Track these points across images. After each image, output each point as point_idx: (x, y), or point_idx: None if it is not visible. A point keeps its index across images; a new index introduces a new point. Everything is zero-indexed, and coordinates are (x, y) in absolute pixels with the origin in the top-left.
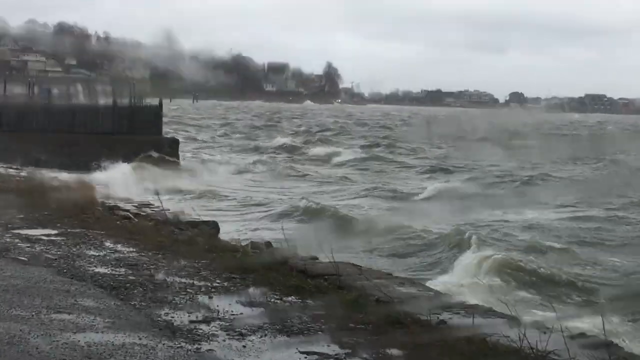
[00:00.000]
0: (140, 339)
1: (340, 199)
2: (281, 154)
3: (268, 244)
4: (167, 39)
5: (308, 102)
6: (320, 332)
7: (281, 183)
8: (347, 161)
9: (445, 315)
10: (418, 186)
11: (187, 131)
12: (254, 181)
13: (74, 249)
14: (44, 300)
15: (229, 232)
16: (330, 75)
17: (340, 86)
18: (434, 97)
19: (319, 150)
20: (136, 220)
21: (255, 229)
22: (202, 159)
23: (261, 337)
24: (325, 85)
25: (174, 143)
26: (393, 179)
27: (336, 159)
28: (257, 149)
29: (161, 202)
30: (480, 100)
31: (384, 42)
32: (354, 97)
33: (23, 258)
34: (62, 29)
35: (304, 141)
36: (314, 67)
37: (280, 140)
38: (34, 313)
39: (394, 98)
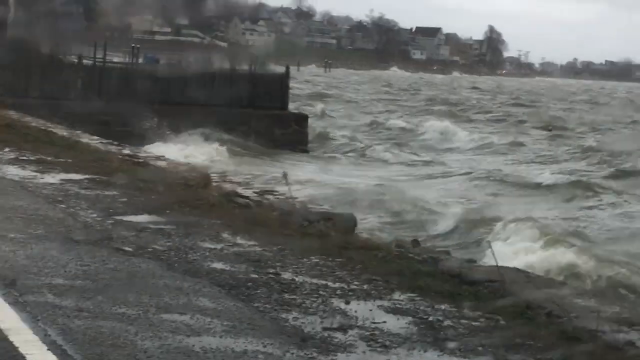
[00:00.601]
0: (264, 346)
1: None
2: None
3: (415, 242)
4: None
5: (455, 74)
6: (479, 348)
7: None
8: None
9: (634, 335)
10: None
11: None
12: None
13: (186, 240)
14: (152, 298)
15: (368, 227)
16: (493, 41)
17: (505, 55)
18: (621, 70)
19: None
20: (258, 209)
21: (399, 223)
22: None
23: (409, 350)
24: (487, 54)
25: (302, 120)
26: None
27: None
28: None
29: (289, 189)
30: None
31: (557, 1)
32: (521, 67)
33: (128, 248)
34: None
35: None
36: (473, 32)
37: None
38: (141, 312)
39: (571, 70)
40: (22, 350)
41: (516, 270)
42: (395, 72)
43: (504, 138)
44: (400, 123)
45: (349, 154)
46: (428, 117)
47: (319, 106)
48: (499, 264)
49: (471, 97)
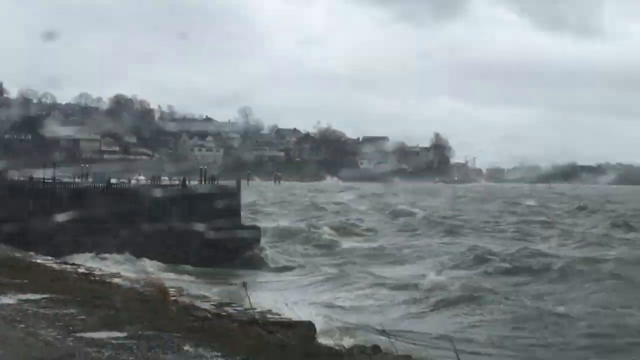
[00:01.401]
0: None
1: None
2: None
3: (376, 348)
4: (241, 113)
5: (396, 180)
6: None
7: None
8: None
9: None
10: None
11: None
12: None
13: (149, 354)
14: None
15: (327, 331)
16: (440, 147)
17: (452, 161)
18: (566, 172)
19: None
20: (217, 320)
21: (356, 328)
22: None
23: None
24: (435, 160)
25: (255, 232)
26: None
27: None
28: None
29: (249, 299)
30: (630, 174)
31: (495, 107)
32: (468, 173)
33: None
34: (120, 103)
35: None
36: (419, 139)
37: None
38: None
39: (518, 173)
40: None
41: None
42: (327, 182)
43: None
44: None
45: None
46: None
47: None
48: None
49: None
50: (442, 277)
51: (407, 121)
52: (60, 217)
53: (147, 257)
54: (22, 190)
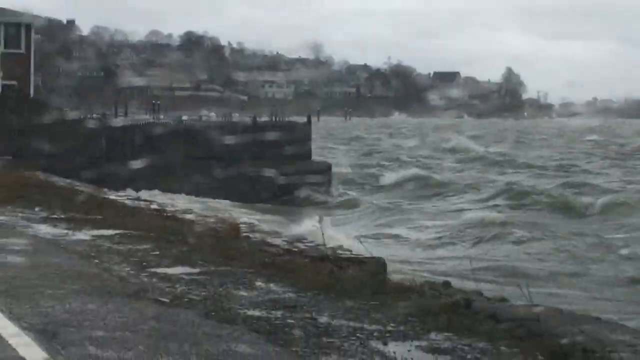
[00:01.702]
0: None
1: None
2: None
3: (446, 284)
4: (312, 49)
5: (467, 118)
6: None
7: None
8: None
9: None
10: None
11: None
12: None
13: (221, 289)
14: (192, 346)
15: (399, 269)
16: (511, 83)
17: (524, 96)
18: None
19: None
20: (289, 256)
21: (430, 263)
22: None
23: None
24: (506, 96)
25: (327, 169)
26: None
27: None
28: None
29: (323, 235)
30: None
31: (566, 41)
32: (541, 109)
33: (164, 299)
34: (190, 40)
35: None
36: (491, 74)
37: None
38: None
39: (591, 109)
40: None
41: (550, 308)
42: (395, 118)
43: None
44: None
45: None
46: None
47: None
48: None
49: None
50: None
51: (479, 57)
52: (141, 162)
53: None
54: (98, 135)
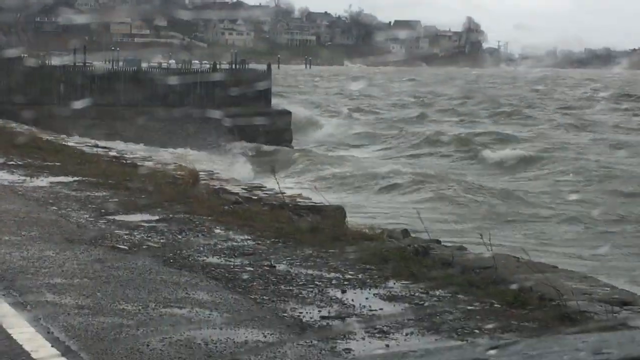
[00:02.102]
0: (265, 336)
1: None
2: None
3: (405, 232)
4: None
5: (424, 66)
6: (476, 330)
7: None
8: None
9: (625, 314)
10: None
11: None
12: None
13: (180, 237)
14: (151, 293)
15: (356, 216)
16: (471, 32)
17: (485, 46)
18: (601, 58)
19: None
20: (247, 204)
21: (386, 213)
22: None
23: (407, 335)
24: (466, 45)
25: (285, 116)
26: None
27: None
28: None
29: (278, 184)
30: None
31: None
32: (501, 59)
33: (123, 246)
34: None
35: None
36: (452, 24)
37: None
38: (141, 307)
39: (551, 60)
40: (27, 348)
41: (507, 256)
42: (348, 67)
43: None
44: None
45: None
46: None
47: None
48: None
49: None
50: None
51: (440, 6)
52: (83, 103)
53: (180, 142)
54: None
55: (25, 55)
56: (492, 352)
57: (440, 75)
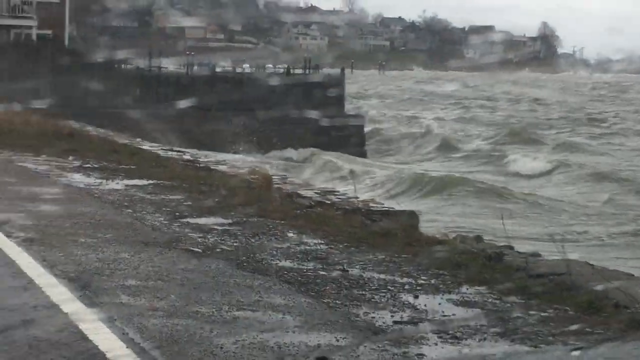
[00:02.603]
0: (337, 340)
1: None
2: None
3: (478, 238)
4: (345, 1)
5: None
6: (550, 337)
7: None
8: None
9: None
10: None
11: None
12: None
13: (253, 240)
14: (224, 296)
15: (431, 223)
16: (547, 38)
17: (560, 51)
18: None
19: None
20: (320, 208)
21: (461, 219)
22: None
23: (480, 340)
24: (541, 51)
25: (359, 122)
26: None
27: None
28: None
29: (355, 188)
30: None
31: None
32: (576, 64)
33: (196, 249)
34: None
35: None
36: (526, 29)
37: None
38: (214, 309)
39: (627, 65)
40: (102, 348)
41: (582, 263)
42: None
43: None
44: None
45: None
46: None
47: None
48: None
49: None
50: None
51: (515, 11)
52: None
53: (259, 143)
54: (131, 79)
55: (102, 59)
56: (576, 353)
57: (518, 81)
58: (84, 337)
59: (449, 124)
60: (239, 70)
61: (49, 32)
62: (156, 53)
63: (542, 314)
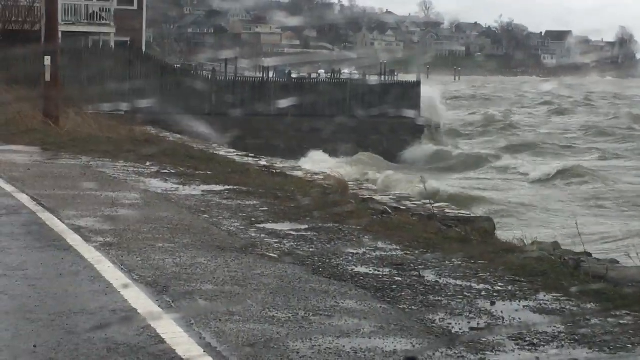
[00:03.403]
0: (413, 346)
1: None
2: None
3: (556, 244)
4: (421, 6)
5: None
6: (629, 345)
7: None
8: None
9: None
10: None
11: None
12: None
13: (329, 246)
14: (300, 301)
15: (507, 229)
16: (624, 42)
17: (639, 56)
18: None
19: None
20: (396, 214)
21: (538, 226)
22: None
23: (558, 348)
24: (619, 56)
25: (436, 128)
26: None
27: None
28: None
29: (427, 192)
30: None
31: None
32: None
33: (272, 255)
34: None
35: None
36: (604, 34)
37: None
38: (290, 315)
39: None
40: (179, 352)
41: None
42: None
43: None
44: None
45: None
46: None
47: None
48: None
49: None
50: None
51: (592, 16)
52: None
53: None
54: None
55: (179, 65)
56: None
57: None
58: (162, 341)
59: None
60: (314, 75)
61: (127, 39)
62: (232, 59)
63: (621, 321)
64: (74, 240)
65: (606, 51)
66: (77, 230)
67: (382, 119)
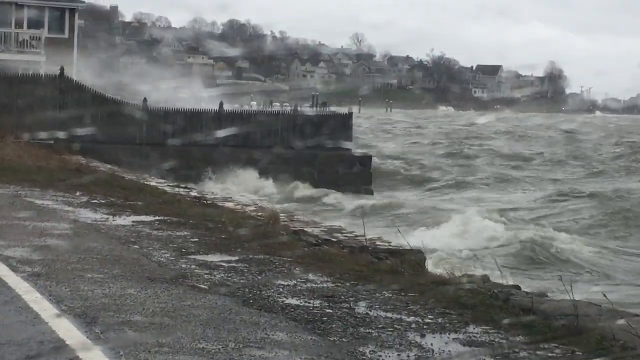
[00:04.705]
0: None
1: None
2: None
3: (485, 277)
4: (353, 39)
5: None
6: None
7: None
8: None
9: None
10: None
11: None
12: None
13: (259, 277)
14: (230, 333)
15: (436, 261)
16: (553, 77)
17: (568, 91)
18: None
19: None
20: (327, 246)
21: (466, 259)
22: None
23: None
24: (548, 90)
25: (365, 160)
26: None
27: None
28: None
29: (364, 227)
30: None
31: (615, 38)
32: (583, 104)
33: (203, 286)
34: (232, 28)
35: None
36: (534, 69)
37: None
38: (220, 346)
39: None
40: None
41: (589, 303)
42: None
43: None
44: None
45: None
46: None
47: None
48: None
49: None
50: None
51: (521, 50)
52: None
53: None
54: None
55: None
56: None
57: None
58: None
59: None
60: (245, 107)
61: (57, 67)
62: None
63: (549, 354)
64: (1, 270)
65: (536, 86)
66: (5, 260)
67: (318, 150)
